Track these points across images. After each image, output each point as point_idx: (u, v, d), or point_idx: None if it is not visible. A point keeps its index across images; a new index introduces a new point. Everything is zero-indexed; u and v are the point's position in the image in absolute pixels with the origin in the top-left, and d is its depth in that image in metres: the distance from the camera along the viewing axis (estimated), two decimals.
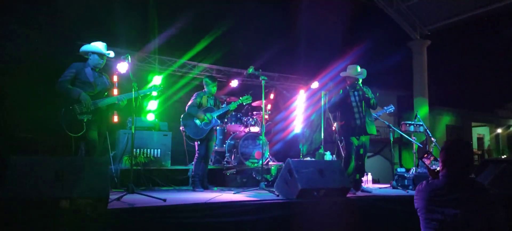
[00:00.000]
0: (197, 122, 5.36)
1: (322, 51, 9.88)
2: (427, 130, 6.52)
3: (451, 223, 2.37)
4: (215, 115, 5.44)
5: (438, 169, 2.56)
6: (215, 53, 8.31)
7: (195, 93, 5.60)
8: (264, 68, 8.53)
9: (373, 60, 12.38)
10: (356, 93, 5.32)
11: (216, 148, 7.13)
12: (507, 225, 2.36)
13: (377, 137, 9.85)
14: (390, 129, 6.33)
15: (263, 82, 5.31)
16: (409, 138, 6.42)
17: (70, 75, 4.18)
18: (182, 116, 5.48)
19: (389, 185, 6.27)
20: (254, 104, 7.25)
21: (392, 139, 6.53)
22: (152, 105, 7.47)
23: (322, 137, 8.64)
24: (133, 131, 4.22)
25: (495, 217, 2.33)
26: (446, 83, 16.54)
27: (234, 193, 4.84)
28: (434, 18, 11.51)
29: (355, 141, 5.24)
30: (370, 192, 5.25)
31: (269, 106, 8.99)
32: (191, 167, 5.60)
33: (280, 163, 6.82)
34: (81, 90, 4.16)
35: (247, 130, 6.99)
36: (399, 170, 6.32)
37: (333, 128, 6.63)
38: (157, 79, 7.40)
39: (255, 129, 7.02)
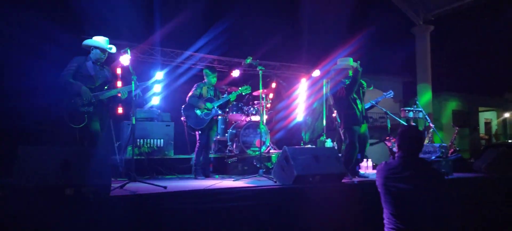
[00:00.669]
0: (198, 112, 5.51)
1: (324, 39, 9.96)
2: (427, 116, 6.59)
3: (404, 196, 2.77)
4: (215, 105, 5.58)
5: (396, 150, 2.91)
6: (216, 44, 8.43)
7: (196, 84, 5.74)
8: (266, 58, 8.66)
9: (377, 47, 12.42)
10: (356, 83, 5.44)
11: (218, 137, 7.28)
12: (448, 198, 2.88)
13: (383, 123, 9.94)
14: (388, 116, 6.41)
15: (260, 72, 5.43)
16: (406, 124, 6.49)
17: (72, 69, 4.36)
18: (183, 106, 5.63)
19: None
20: (255, 93, 7.37)
21: (389, 126, 6.61)
22: (155, 96, 7.64)
23: (324, 124, 8.75)
24: (134, 122, 4.39)
25: (440, 190, 2.79)
26: (451, 68, 16.47)
27: (234, 180, 5.00)
28: (437, 3, 11.46)
29: (358, 129, 5.37)
30: (367, 177, 5.38)
31: (271, 95, 9.10)
32: (193, 156, 5.77)
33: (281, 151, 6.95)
34: (81, 84, 4.33)
35: (248, 119, 7.13)
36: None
37: (334, 115, 6.71)
38: (159, 75, 7.55)
39: (256, 118, 7.15)
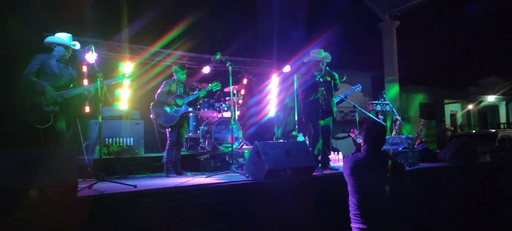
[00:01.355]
0: (167, 109, 5.44)
1: (293, 35, 10.04)
2: (393, 109, 6.78)
3: (369, 187, 2.98)
4: (185, 102, 5.53)
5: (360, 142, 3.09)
6: (186, 41, 8.35)
7: (164, 81, 5.66)
8: (236, 54, 8.65)
9: (346, 42, 12.64)
10: (321, 77, 5.51)
11: (190, 134, 7.23)
12: (411, 188, 3.05)
13: (353, 117, 10.13)
14: (356, 110, 6.56)
15: (230, 68, 5.42)
16: (375, 118, 6.66)
17: (35, 68, 4.20)
18: (152, 104, 5.55)
19: None
20: (226, 90, 7.35)
21: (357, 119, 6.77)
22: (124, 94, 7.49)
23: (296, 119, 8.83)
24: (100, 121, 4.29)
25: (402, 180, 3.01)
26: (418, 62, 17.00)
27: (206, 177, 4.98)
28: None
29: (321, 122, 5.46)
30: (337, 169, 5.48)
31: (242, 91, 9.11)
32: (164, 154, 5.70)
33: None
34: (45, 82, 4.18)
35: (220, 115, 7.11)
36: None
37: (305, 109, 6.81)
38: (126, 68, 7.40)
39: (227, 114, 7.14)
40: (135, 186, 3.91)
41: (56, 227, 3.09)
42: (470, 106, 23.12)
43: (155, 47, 7.93)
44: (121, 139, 6.08)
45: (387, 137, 6.64)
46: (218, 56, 5.48)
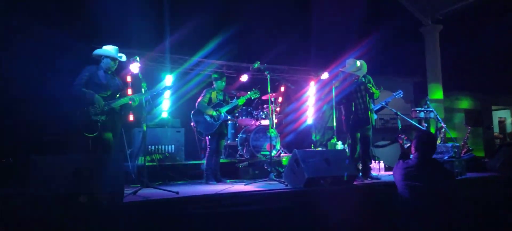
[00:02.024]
0: (207, 117, 5.56)
1: (332, 41, 9.93)
2: (437, 116, 6.53)
3: (418, 190, 3.23)
4: (223, 110, 5.61)
5: (408, 146, 3.20)
6: (225, 49, 8.48)
7: (205, 89, 5.80)
8: (274, 62, 8.68)
9: (387, 48, 12.35)
10: (357, 86, 5.43)
11: (228, 141, 7.32)
12: (458, 191, 3.39)
13: (394, 125, 9.84)
14: (398, 117, 6.37)
15: (268, 76, 5.46)
16: (418, 125, 6.43)
17: (84, 79, 4.43)
18: (192, 112, 5.68)
19: None
20: (264, 97, 7.39)
21: (400, 127, 6.57)
22: (165, 103, 7.72)
23: (335, 127, 8.71)
24: (145, 129, 4.45)
25: (450, 185, 3.31)
26: (462, 67, 16.27)
27: (245, 185, 5.03)
28: (445, 2, 11.36)
29: (359, 131, 5.38)
30: (379, 179, 5.35)
31: (280, 99, 9.11)
32: (204, 161, 5.81)
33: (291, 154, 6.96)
34: (94, 92, 4.40)
35: (258, 123, 7.16)
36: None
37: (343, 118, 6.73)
38: (168, 79, 7.63)
39: (265, 122, 7.17)
40: (177, 193, 4.02)
41: None
42: None
43: (195, 57, 8.12)
44: (163, 146, 6.26)
45: None
46: (256, 65, 5.53)
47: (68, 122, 4.46)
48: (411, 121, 6.51)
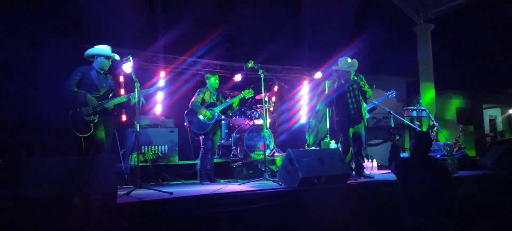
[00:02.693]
0: (200, 117, 5.54)
1: (325, 41, 9.96)
2: (430, 115, 6.58)
3: (418, 186, 3.51)
4: (217, 110, 5.60)
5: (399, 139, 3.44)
6: (219, 49, 8.47)
7: (198, 89, 5.77)
8: (267, 61, 8.68)
9: (379, 48, 12.42)
10: (349, 85, 5.44)
11: (222, 141, 7.30)
12: (455, 187, 3.58)
13: (387, 123, 9.93)
14: (391, 116, 6.41)
15: (262, 76, 5.45)
16: (411, 124, 6.48)
17: (76, 79, 4.39)
18: (185, 112, 5.65)
19: None
20: (258, 97, 7.38)
21: (392, 125, 6.61)
22: (159, 102, 7.68)
23: (328, 126, 8.75)
24: (138, 129, 4.42)
25: (447, 181, 3.51)
26: (454, 66, 16.42)
27: (239, 184, 5.02)
28: (437, 1, 11.44)
29: (351, 130, 5.41)
30: (372, 177, 5.37)
31: (273, 99, 9.12)
32: (198, 161, 5.78)
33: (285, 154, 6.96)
34: (86, 92, 4.36)
35: (251, 122, 7.15)
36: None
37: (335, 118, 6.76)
38: (161, 78, 7.60)
39: (259, 122, 7.17)
40: (171, 193, 4.00)
41: None
42: (511, 111, 22.04)
43: (188, 56, 8.09)
44: (156, 146, 6.23)
45: None
46: (250, 64, 5.52)
47: (60, 122, 4.39)
48: (403, 120, 6.55)
